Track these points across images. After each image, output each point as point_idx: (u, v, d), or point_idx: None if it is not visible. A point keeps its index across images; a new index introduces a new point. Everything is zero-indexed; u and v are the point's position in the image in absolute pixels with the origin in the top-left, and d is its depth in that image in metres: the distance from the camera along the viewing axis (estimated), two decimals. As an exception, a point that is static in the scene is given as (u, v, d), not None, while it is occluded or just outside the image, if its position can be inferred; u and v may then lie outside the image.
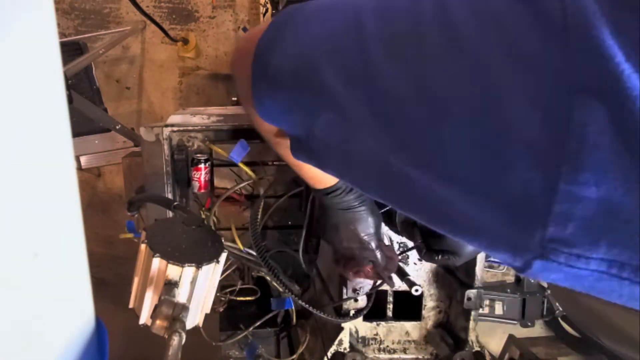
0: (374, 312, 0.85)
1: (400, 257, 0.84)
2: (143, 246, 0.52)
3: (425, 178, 0.30)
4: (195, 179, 0.87)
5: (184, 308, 0.48)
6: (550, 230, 0.24)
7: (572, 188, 0.23)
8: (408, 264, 0.86)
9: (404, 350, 0.89)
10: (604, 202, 0.23)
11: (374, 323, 0.88)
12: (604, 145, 0.22)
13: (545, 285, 1.23)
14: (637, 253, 0.23)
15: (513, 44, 0.25)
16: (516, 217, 0.26)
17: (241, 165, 0.86)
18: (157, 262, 0.50)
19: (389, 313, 0.88)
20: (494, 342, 0.99)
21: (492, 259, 1.28)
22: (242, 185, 0.91)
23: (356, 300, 0.81)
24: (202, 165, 0.86)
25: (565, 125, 0.23)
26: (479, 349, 0.84)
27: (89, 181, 2.07)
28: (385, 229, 0.81)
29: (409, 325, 0.89)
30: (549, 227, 0.24)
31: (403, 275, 0.79)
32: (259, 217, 0.81)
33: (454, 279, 0.86)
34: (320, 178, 0.59)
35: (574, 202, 0.23)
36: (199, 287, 0.53)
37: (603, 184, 0.23)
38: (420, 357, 0.89)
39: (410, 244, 0.83)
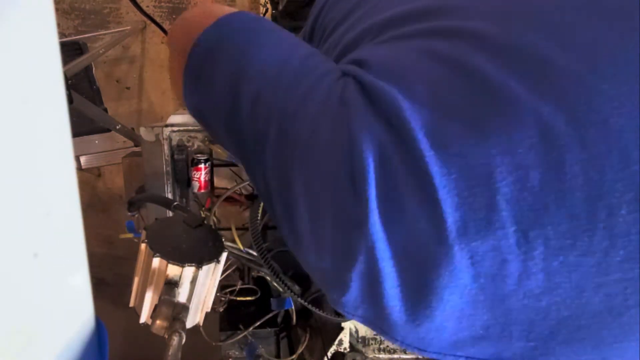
0: (374, 312, 0.85)
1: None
2: (143, 246, 0.52)
3: None
4: (195, 179, 0.87)
5: (184, 308, 0.48)
6: None
7: None
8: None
9: (404, 350, 0.89)
10: None
11: (374, 323, 0.88)
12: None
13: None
14: None
15: None
16: None
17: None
18: (157, 262, 0.50)
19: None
20: (494, 342, 0.98)
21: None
22: (242, 185, 0.91)
23: (356, 300, 0.81)
24: (202, 165, 0.86)
25: None
26: (479, 348, 0.84)
27: (89, 181, 2.07)
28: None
29: (409, 325, 0.89)
30: None
31: None
32: (259, 216, 0.81)
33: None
34: None
35: None
36: (199, 287, 0.53)
37: None
38: (420, 357, 0.89)
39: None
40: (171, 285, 0.50)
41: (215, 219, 0.92)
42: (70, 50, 1.60)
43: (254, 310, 1.01)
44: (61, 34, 1.89)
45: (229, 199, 0.97)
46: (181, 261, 0.50)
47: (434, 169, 0.27)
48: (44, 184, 0.26)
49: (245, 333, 0.95)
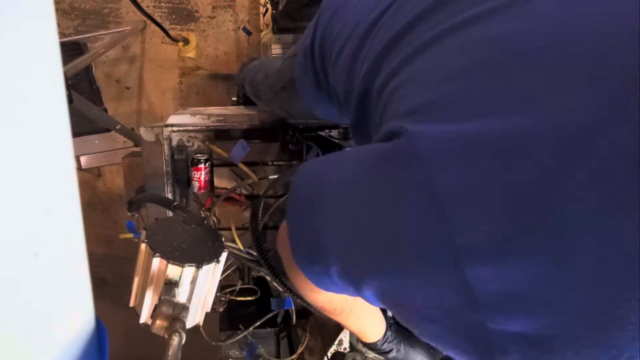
0: (374, 312, 0.85)
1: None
2: (143, 246, 0.52)
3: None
4: (195, 179, 0.87)
5: (184, 308, 0.48)
6: None
7: None
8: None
9: (404, 350, 0.89)
10: None
11: (374, 323, 0.88)
12: None
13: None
14: None
15: None
16: None
17: (241, 165, 0.86)
18: (157, 262, 0.50)
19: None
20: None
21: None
22: (242, 185, 0.91)
23: (356, 300, 0.82)
24: (202, 165, 0.86)
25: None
26: (479, 348, 0.84)
27: (89, 181, 2.07)
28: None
29: (409, 325, 0.89)
30: None
31: None
32: (259, 216, 0.81)
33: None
34: (365, 333, 0.65)
35: None
36: (199, 287, 0.53)
37: None
38: (420, 357, 0.89)
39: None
40: (171, 285, 0.50)
41: (215, 219, 0.92)
42: (70, 50, 1.60)
43: (254, 310, 1.01)
44: (61, 34, 1.89)
45: (229, 199, 0.97)
46: (181, 261, 0.50)
47: None
48: (44, 184, 0.26)
49: (245, 333, 0.95)
